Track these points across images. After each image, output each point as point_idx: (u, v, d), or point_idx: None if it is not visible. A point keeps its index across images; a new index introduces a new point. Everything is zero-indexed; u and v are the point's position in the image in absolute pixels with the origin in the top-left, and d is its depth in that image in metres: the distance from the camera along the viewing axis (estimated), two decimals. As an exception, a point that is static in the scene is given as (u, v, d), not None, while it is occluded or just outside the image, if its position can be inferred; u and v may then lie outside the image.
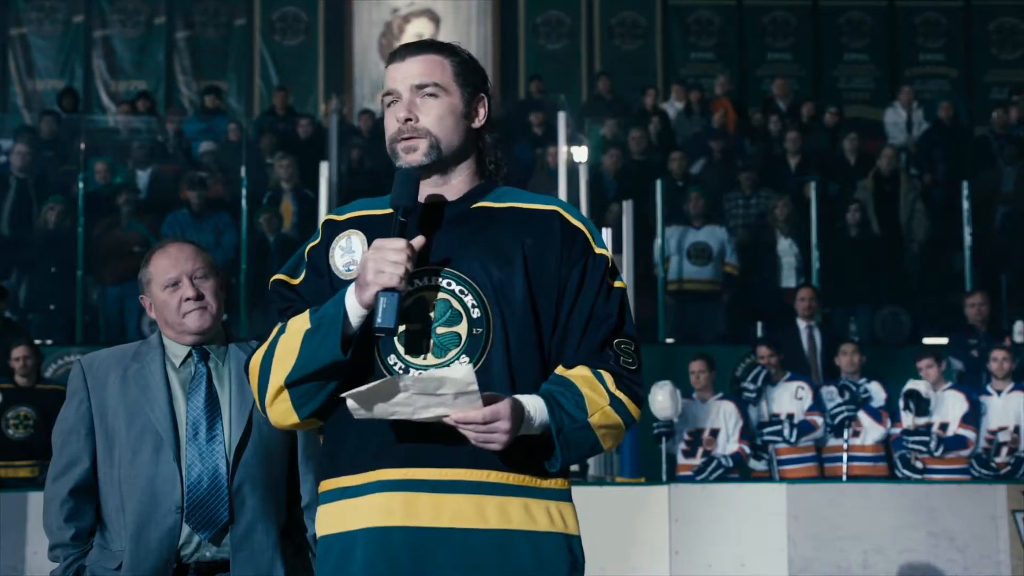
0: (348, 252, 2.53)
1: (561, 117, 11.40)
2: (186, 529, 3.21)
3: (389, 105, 2.55)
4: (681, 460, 8.53)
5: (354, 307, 2.41)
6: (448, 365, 2.43)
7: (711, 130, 12.72)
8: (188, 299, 3.27)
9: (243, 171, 11.21)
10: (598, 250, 2.54)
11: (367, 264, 2.39)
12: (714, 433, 8.46)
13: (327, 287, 2.53)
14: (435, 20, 15.85)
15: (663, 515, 7.57)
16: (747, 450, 8.47)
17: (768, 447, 8.63)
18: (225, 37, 15.75)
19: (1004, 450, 8.26)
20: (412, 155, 2.50)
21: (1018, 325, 10.11)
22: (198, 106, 14.47)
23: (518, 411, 2.37)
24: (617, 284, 2.55)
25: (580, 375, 2.47)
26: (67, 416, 3.33)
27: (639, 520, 7.44)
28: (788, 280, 11.03)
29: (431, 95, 2.52)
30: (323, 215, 11.01)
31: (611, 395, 2.47)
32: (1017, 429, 8.31)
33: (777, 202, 11.23)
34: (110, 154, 12.12)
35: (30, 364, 8.06)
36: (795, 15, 16.03)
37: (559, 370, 2.49)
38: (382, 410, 2.35)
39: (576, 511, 2.54)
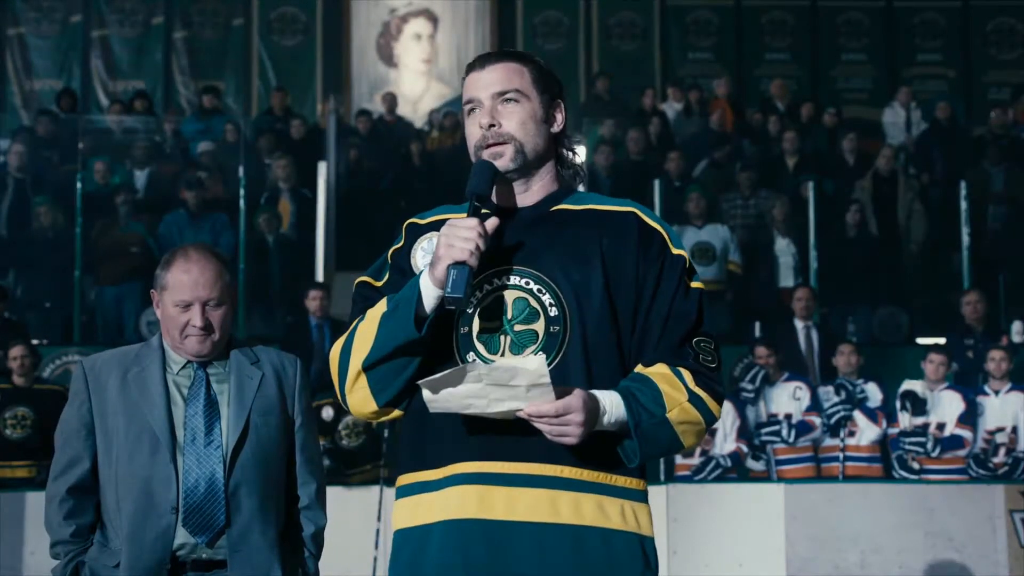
0: (430, 253, 2.54)
1: (559, 117, 11.35)
2: (182, 529, 3.24)
3: (470, 113, 2.58)
4: (679, 460, 8.51)
5: (428, 287, 2.45)
6: None
7: (709, 131, 12.71)
8: (194, 326, 3.29)
9: (241, 171, 11.19)
10: (675, 250, 2.57)
11: (440, 240, 2.43)
12: (711, 433, 8.45)
13: None
14: (433, 20, 15.84)
15: (661, 515, 7.57)
16: (745, 450, 8.46)
17: (766, 447, 8.62)
18: (223, 37, 15.74)
19: (1002, 451, 8.24)
20: (499, 161, 2.54)
21: (1016, 325, 10.10)
22: (196, 106, 14.44)
23: (591, 405, 2.39)
24: (695, 284, 2.58)
25: (659, 372, 2.49)
26: (69, 417, 3.38)
27: (637, 520, 7.42)
28: (786, 280, 11.01)
29: (512, 100, 2.56)
30: (321, 215, 11.02)
31: (690, 392, 2.49)
32: (1015, 429, 8.29)
33: (775, 202, 11.22)
34: (108, 154, 12.10)
35: (27, 364, 8.04)
36: (793, 15, 16.03)
37: (638, 368, 2.51)
38: (457, 403, 2.37)
39: (651, 512, 2.54)
